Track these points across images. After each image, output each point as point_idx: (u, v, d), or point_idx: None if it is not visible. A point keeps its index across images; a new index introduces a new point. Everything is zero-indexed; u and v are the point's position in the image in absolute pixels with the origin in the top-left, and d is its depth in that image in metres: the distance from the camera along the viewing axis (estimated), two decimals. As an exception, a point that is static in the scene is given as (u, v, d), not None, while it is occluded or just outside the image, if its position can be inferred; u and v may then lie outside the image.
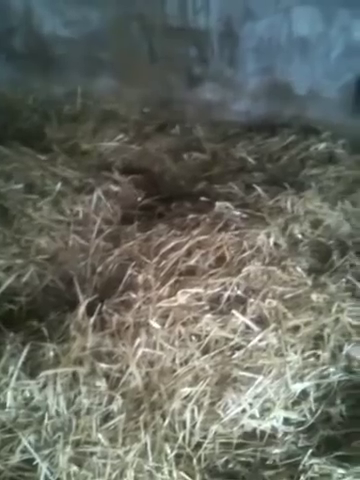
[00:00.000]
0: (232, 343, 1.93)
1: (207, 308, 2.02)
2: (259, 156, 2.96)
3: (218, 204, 2.39)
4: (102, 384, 1.76)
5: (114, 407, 1.74)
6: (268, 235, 2.27)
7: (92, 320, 1.91)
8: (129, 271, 2.15)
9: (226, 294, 2.05)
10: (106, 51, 3.30)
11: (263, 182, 2.65)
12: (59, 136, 3.00)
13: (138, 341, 1.88)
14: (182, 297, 2.03)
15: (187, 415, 1.76)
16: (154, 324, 1.94)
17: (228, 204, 2.40)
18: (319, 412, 1.81)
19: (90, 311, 1.97)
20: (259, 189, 2.54)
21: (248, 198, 2.52)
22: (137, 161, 2.92)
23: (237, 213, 2.34)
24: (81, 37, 3.29)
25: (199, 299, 2.05)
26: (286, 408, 1.82)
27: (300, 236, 2.32)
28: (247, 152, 2.98)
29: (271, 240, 2.25)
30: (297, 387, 1.85)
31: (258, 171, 2.81)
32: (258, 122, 3.26)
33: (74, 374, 1.78)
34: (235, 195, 2.54)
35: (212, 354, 1.91)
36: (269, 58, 3.16)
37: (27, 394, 1.74)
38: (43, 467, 1.61)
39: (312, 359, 1.92)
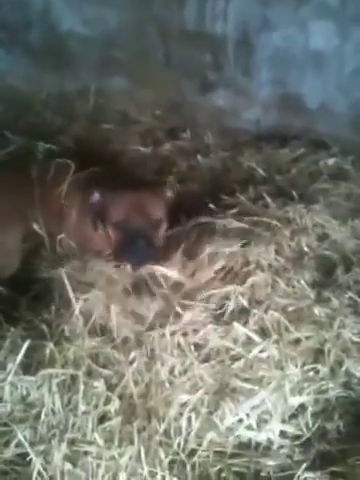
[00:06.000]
0: (233, 353, 1.92)
1: (210, 318, 2.02)
2: (268, 167, 2.95)
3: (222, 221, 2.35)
4: (100, 385, 1.75)
5: (111, 408, 1.73)
6: (274, 246, 2.26)
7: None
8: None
9: (230, 304, 2.04)
10: (121, 51, 3.31)
11: (271, 193, 2.63)
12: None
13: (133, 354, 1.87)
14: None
15: (183, 422, 1.75)
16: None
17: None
18: (316, 427, 1.80)
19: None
20: (268, 199, 2.53)
21: (256, 208, 2.51)
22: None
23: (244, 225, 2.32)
24: (97, 36, 3.30)
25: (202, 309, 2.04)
26: (283, 421, 1.81)
27: (306, 248, 2.31)
28: (256, 162, 2.97)
29: (277, 251, 2.24)
30: (295, 401, 1.84)
31: (266, 182, 2.80)
32: (268, 132, 3.27)
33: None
34: (243, 205, 2.52)
35: (212, 363, 1.90)
36: (283, 69, 3.18)
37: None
38: (37, 463, 1.60)
39: (311, 373, 1.92)
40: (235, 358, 1.92)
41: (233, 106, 3.31)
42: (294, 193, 2.60)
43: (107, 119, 3.22)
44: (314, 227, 2.41)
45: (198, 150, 3.08)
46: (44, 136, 2.79)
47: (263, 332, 1.99)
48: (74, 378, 1.76)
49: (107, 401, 1.74)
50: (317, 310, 2.06)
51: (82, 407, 1.71)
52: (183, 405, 1.80)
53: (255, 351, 1.90)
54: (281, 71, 3.18)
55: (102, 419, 1.73)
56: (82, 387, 1.72)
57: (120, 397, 1.78)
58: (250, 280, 2.11)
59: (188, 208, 2.48)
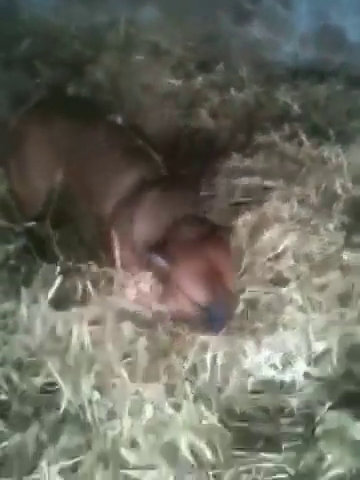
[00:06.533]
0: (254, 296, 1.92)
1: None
2: (304, 103, 2.85)
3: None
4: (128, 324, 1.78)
5: (138, 345, 1.76)
6: (304, 188, 2.21)
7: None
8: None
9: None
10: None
11: (306, 131, 2.54)
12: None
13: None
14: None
15: (207, 359, 1.77)
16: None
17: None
18: (342, 369, 1.79)
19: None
20: (303, 137, 2.45)
21: (290, 147, 2.44)
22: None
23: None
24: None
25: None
26: (308, 363, 1.81)
27: (340, 190, 2.25)
28: (291, 98, 2.87)
29: (302, 200, 2.19)
30: (320, 345, 1.82)
31: (302, 119, 2.71)
32: (305, 67, 3.14)
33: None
34: (276, 144, 2.46)
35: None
36: (324, 0, 3.01)
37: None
38: (66, 391, 1.64)
39: (338, 317, 1.89)
40: (259, 302, 1.92)
41: (270, 38, 3.17)
42: (331, 131, 2.51)
43: (138, 50, 3.12)
44: (349, 167, 2.33)
45: (231, 84, 2.98)
46: (73, 67, 2.73)
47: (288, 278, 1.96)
48: (104, 317, 1.78)
49: (134, 339, 1.76)
50: (346, 255, 2.02)
51: (109, 344, 1.74)
52: (206, 345, 1.80)
53: (273, 294, 1.89)
54: (322, 2, 3.01)
55: (128, 356, 1.76)
56: (111, 324, 1.75)
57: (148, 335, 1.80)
58: (277, 225, 2.06)
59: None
